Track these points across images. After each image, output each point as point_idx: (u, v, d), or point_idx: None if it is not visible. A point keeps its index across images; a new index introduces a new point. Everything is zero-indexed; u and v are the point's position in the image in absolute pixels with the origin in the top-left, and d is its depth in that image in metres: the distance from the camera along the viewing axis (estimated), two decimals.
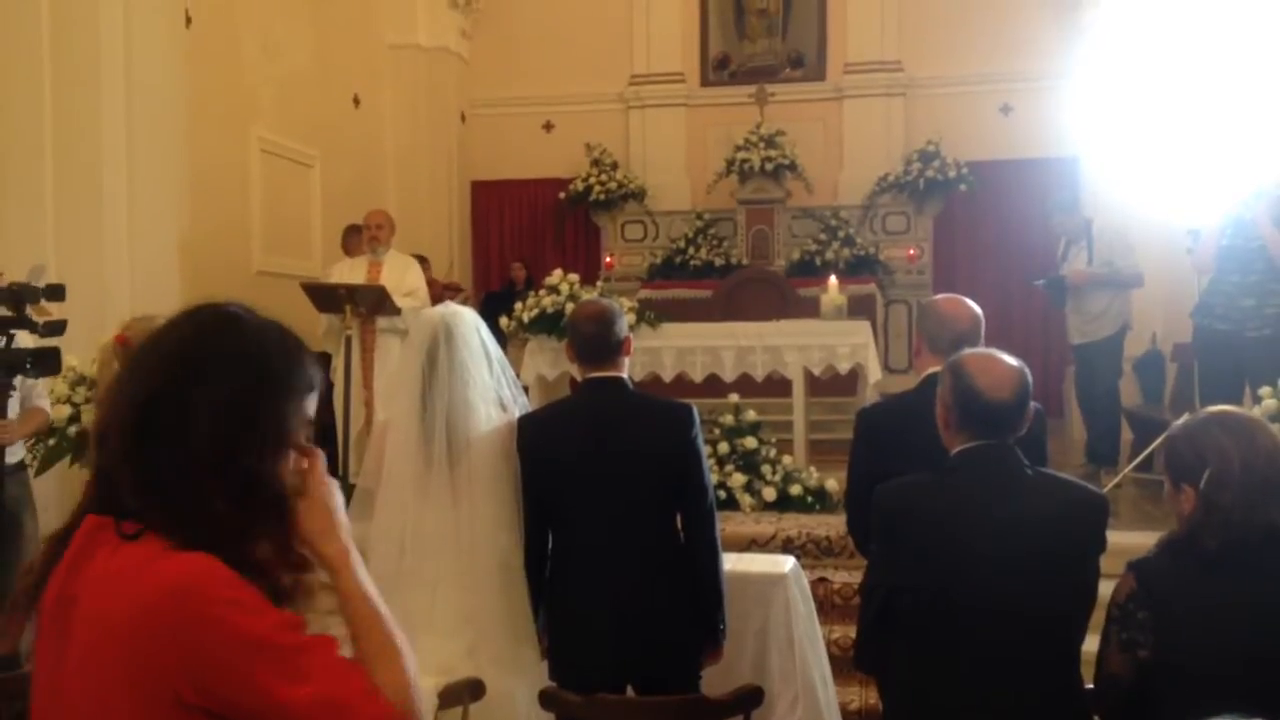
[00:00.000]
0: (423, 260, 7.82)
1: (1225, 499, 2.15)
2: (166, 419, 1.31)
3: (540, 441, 3.00)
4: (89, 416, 4.50)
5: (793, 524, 5.50)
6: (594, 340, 3.04)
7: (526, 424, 3.05)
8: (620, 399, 3.06)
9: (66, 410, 4.82)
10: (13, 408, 4.00)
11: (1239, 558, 2.14)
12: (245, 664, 1.25)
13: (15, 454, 4.24)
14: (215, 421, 1.31)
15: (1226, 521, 2.14)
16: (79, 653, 1.29)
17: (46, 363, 3.78)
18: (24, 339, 3.81)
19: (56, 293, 3.92)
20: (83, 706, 1.29)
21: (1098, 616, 2.32)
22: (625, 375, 3.09)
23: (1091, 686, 2.33)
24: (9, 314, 3.71)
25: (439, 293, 7.43)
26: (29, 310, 3.76)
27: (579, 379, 3.17)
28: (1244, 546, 2.14)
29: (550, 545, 3.05)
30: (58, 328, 3.85)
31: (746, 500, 5.86)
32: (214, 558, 1.27)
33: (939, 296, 3.24)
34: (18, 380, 3.93)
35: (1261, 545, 2.14)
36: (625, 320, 3.15)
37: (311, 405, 1.40)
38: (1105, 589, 2.32)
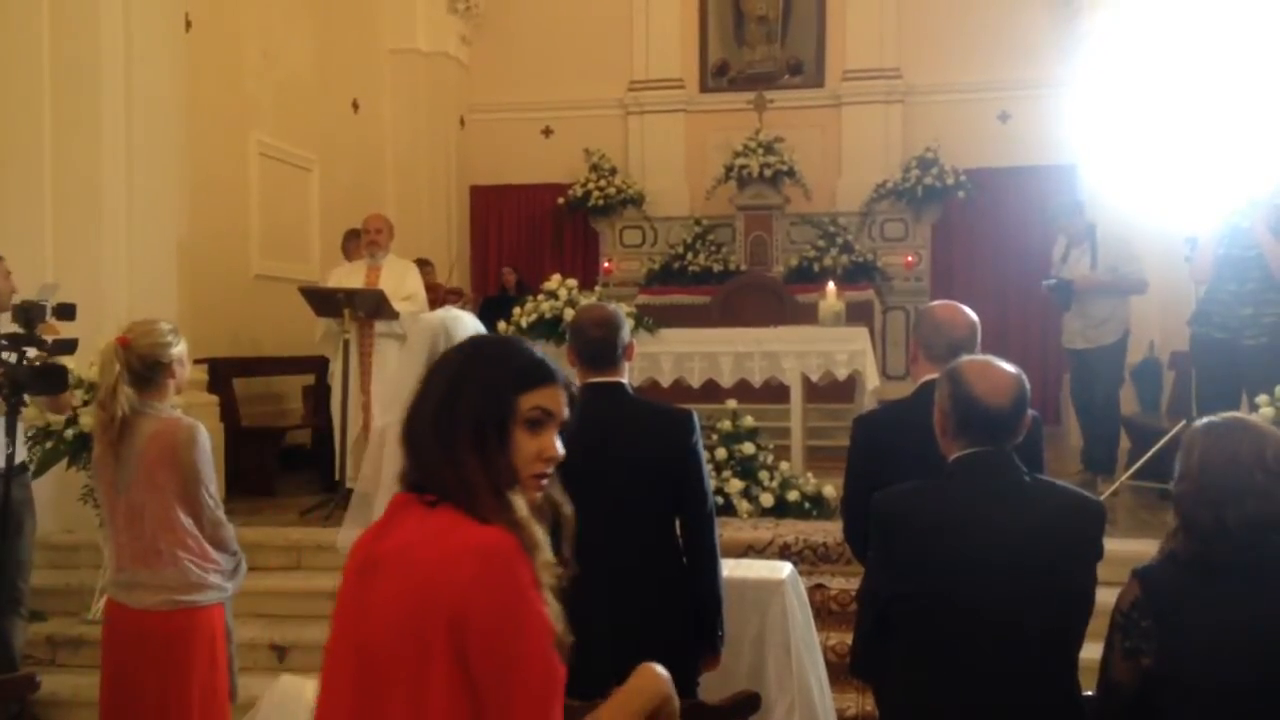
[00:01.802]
0: (426, 263, 7.81)
1: (1183, 498, 2.16)
2: (443, 416, 1.56)
3: None
4: (88, 419, 4.51)
5: (790, 530, 5.50)
6: (598, 345, 3.03)
7: None
8: (620, 404, 3.05)
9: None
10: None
11: (1223, 563, 2.11)
12: (508, 636, 1.44)
13: (18, 455, 4.26)
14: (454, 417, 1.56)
15: (1190, 522, 2.14)
16: (383, 598, 1.49)
17: (50, 381, 3.80)
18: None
19: (66, 311, 3.96)
20: (382, 646, 1.48)
21: (1096, 624, 2.31)
22: (625, 381, 3.09)
23: (1090, 694, 2.33)
24: (20, 331, 3.74)
25: (441, 298, 7.41)
26: (38, 328, 3.80)
27: (578, 383, 3.16)
28: (1209, 547, 2.11)
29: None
30: (67, 346, 3.86)
31: (744, 506, 5.86)
32: (512, 535, 1.47)
33: (935, 303, 3.23)
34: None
35: (1240, 550, 2.10)
36: (628, 326, 3.15)
37: (542, 397, 1.58)
38: (1103, 597, 2.31)
